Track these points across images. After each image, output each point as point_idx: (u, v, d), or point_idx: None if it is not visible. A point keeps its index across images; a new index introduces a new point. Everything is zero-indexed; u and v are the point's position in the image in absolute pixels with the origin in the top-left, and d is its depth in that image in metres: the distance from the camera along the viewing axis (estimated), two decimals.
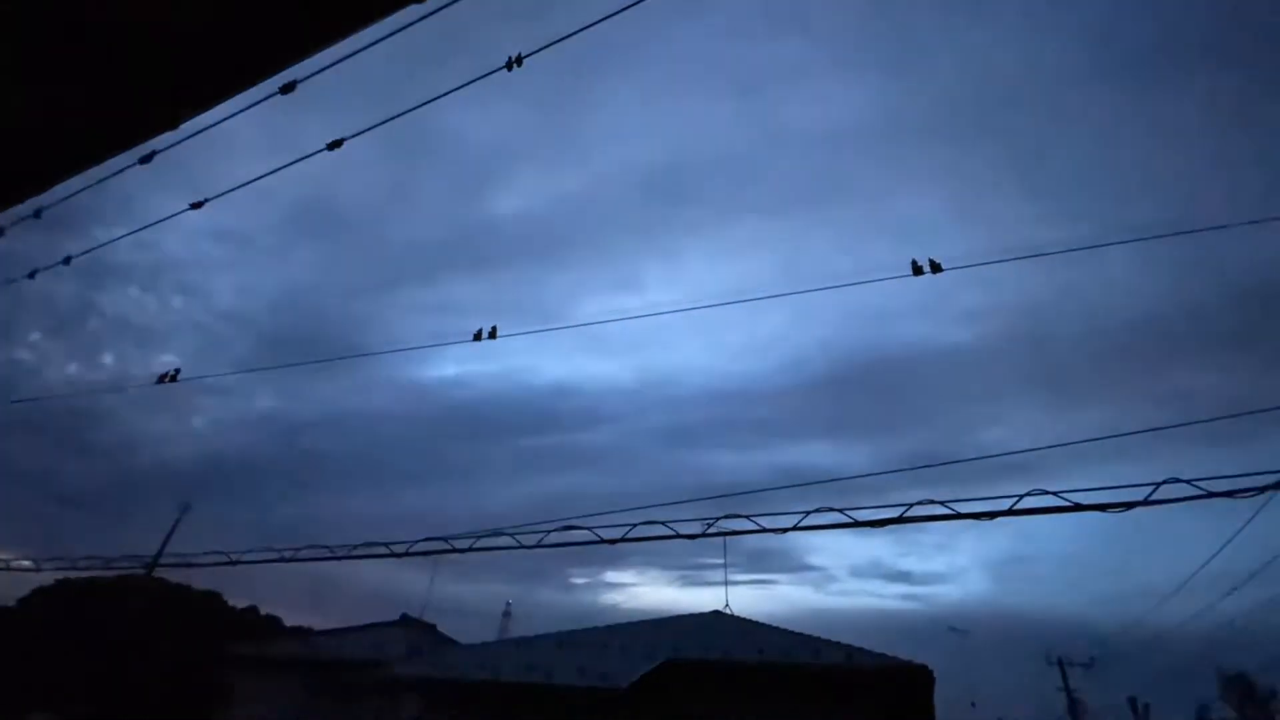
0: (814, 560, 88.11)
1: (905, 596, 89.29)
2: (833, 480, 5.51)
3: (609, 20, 3.25)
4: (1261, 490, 3.94)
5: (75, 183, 2.78)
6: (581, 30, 3.48)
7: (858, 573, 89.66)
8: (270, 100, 3.16)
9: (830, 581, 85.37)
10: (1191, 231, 5.50)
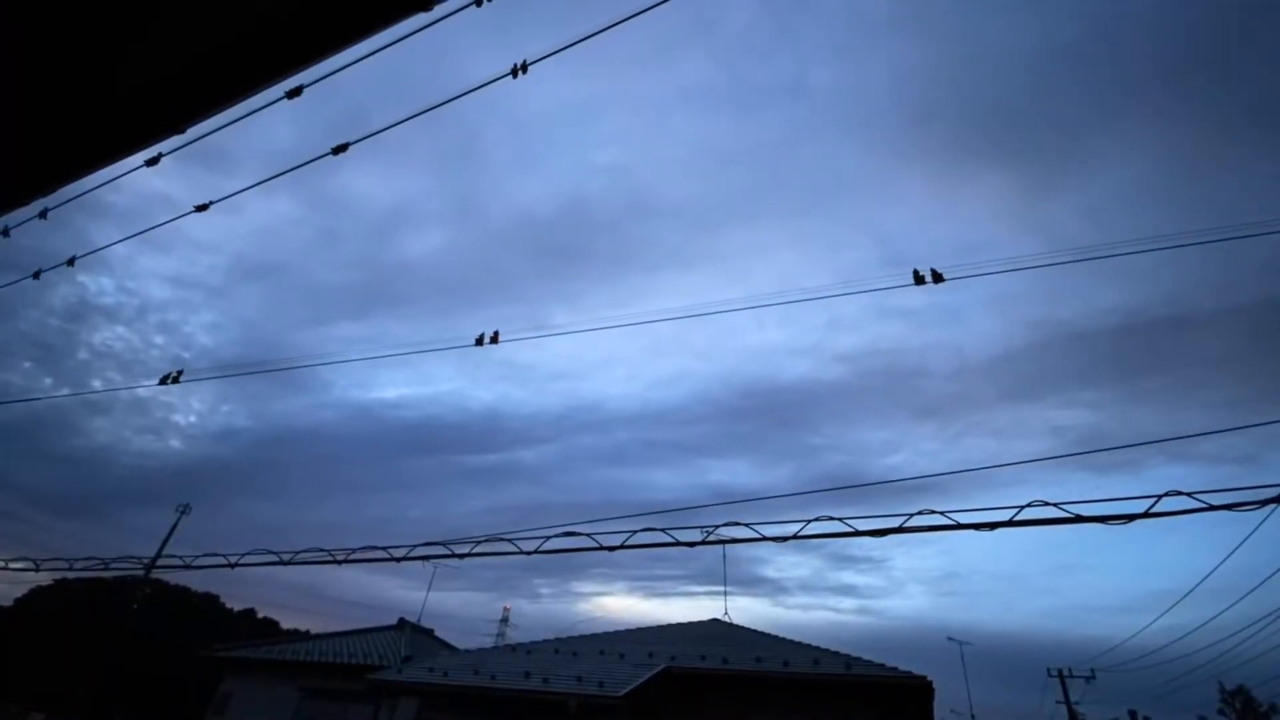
0: (765, 573, 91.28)
1: (859, 610, 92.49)
2: (828, 489, 5.52)
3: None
4: (1263, 504, 3.91)
5: (77, 186, 2.81)
6: (585, 39, 3.51)
7: (806, 586, 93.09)
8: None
9: (783, 594, 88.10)
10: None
